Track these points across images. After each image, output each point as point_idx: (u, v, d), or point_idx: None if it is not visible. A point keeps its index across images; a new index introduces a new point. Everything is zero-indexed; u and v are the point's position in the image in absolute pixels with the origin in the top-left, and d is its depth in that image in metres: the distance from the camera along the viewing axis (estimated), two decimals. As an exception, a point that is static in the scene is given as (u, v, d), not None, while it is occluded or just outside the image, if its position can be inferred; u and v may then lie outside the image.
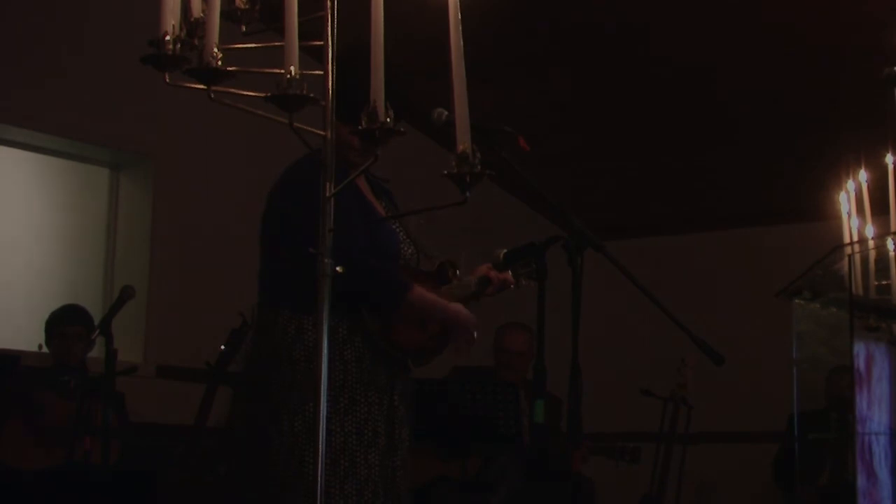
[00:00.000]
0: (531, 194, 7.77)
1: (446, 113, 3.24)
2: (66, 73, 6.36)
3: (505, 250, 3.68)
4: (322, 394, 2.47)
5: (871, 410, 3.75)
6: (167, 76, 2.35)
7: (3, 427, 5.41)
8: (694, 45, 6.77)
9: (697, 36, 6.72)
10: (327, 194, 2.50)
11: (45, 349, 5.67)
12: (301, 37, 2.42)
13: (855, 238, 3.93)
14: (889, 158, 3.89)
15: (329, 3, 2.53)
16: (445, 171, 2.49)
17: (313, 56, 2.59)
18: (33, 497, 5.32)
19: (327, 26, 2.52)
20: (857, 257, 3.86)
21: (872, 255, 3.91)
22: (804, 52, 6.62)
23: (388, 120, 2.44)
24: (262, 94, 2.43)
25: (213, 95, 2.37)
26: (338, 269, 2.50)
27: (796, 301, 4.14)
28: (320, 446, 2.46)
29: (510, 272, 3.70)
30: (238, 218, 4.44)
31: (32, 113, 6.36)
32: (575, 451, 5.64)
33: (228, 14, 2.49)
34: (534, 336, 6.44)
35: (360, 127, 2.46)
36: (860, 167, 3.95)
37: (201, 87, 2.36)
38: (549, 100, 7.60)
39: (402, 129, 2.48)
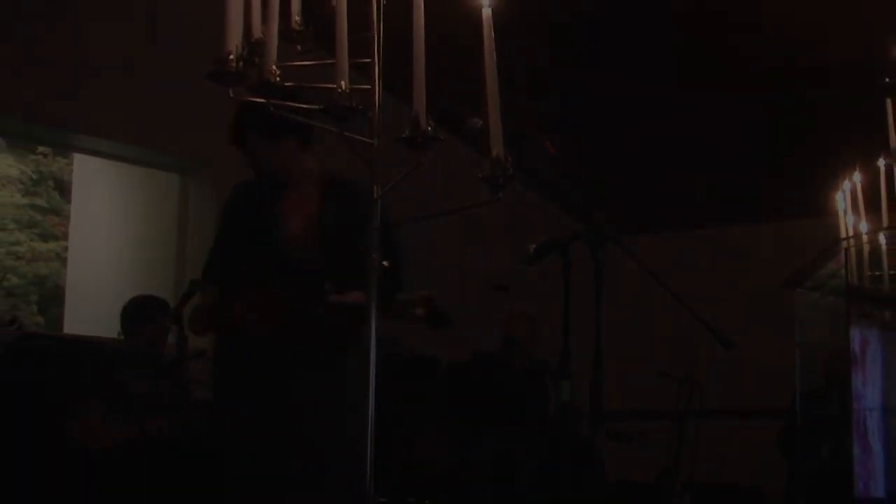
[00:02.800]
0: (555, 191, 7.77)
1: (481, 122, 3.24)
2: (144, 90, 6.44)
3: (534, 245, 3.69)
4: (371, 378, 2.49)
5: (866, 389, 3.75)
6: (231, 91, 2.38)
7: (84, 407, 5.45)
8: (705, 46, 6.75)
9: (707, 38, 6.71)
10: (375, 196, 2.52)
11: (122, 336, 5.72)
12: (350, 55, 2.44)
13: (851, 233, 3.93)
14: (881, 162, 3.89)
15: (375, 24, 2.55)
16: (480, 174, 2.50)
17: (361, 72, 2.61)
18: (110, 471, 5.36)
19: (374, 45, 2.54)
20: (853, 251, 3.86)
21: (866, 248, 3.91)
22: (807, 64, 6.59)
23: (430, 129, 2.46)
24: (316, 107, 2.45)
25: (272, 108, 2.40)
26: (384, 263, 2.51)
27: (799, 290, 4.14)
28: (370, 424, 2.48)
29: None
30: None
31: (110, 125, 6.43)
32: (598, 430, 5.64)
33: (285, 34, 2.52)
34: (535, 323, 6.53)
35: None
36: (855, 169, 3.96)
37: (261, 100, 2.39)
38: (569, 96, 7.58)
39: (441, 137, 2.50)
